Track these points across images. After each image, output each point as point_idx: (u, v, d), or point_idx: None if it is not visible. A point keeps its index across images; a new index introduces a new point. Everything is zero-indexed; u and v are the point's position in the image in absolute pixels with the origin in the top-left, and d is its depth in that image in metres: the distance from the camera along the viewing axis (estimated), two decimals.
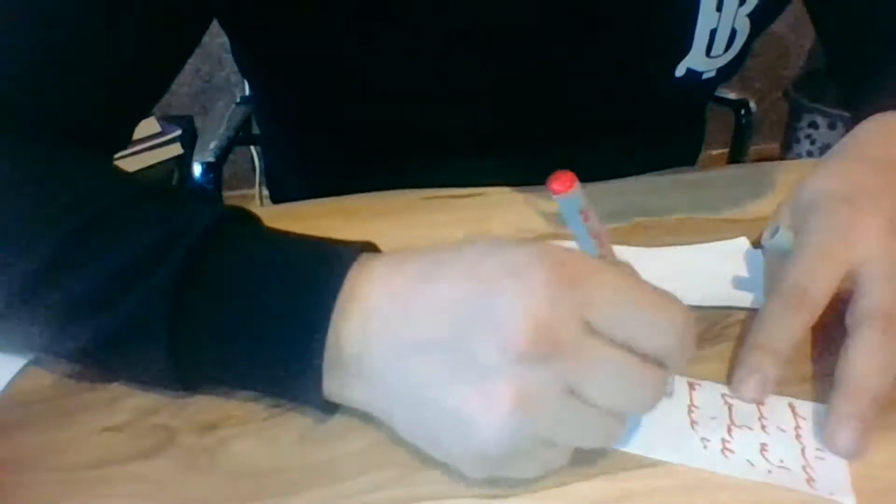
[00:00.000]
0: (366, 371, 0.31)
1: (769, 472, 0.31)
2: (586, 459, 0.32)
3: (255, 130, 1.12)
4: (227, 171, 0.98)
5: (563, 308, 0.28)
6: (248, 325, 0.32)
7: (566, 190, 0.29)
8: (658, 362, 0.29)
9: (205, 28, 0.49)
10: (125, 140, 0.49)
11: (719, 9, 0.49)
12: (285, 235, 0.35)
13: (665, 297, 0.29)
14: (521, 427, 0.28)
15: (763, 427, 0.34)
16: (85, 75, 0.43)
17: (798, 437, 0.33)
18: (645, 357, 0.29)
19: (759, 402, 0.35)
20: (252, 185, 1.78)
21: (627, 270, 0.32)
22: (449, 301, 0.29)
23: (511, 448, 0.28)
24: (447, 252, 0.31)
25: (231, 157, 1.01)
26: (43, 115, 0.42)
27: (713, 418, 0.34)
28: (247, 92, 1.23)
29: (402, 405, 0.31)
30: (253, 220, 0.36)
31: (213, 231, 0.33)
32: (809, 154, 2.03)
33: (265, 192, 1.34)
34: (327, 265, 0.32)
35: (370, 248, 0.34)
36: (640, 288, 0.29)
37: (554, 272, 0.28)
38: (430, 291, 0.30)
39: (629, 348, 0.29)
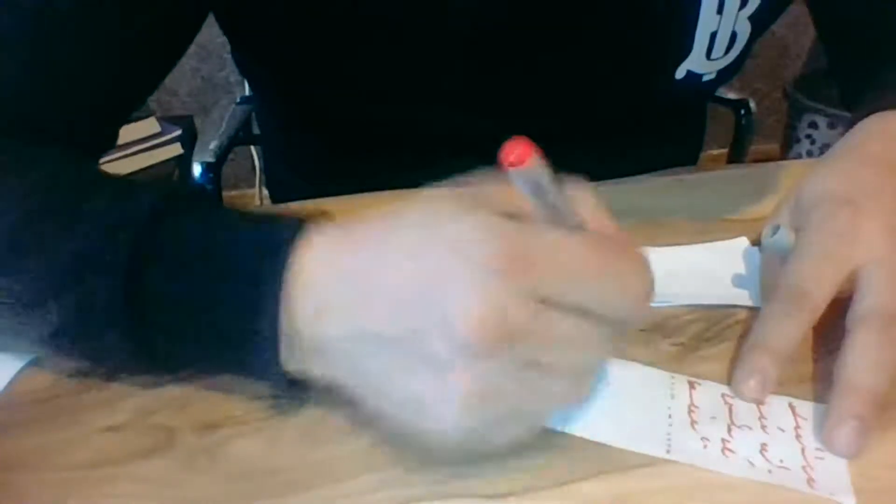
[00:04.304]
0: (327, 355, 0.31)
1: (769, 472, 0.31)
2: (586, 459, 0.32)
3: (255, 130, 1.12)
4: (227, 171, 0.98)
5: (512, 293, 0.27)
6: (198, 311, 0.32)
7: (521, 163, 0.25)
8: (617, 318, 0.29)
9: (196, 30, 0.49)
10: (110, 140, 0.49)
11: (720, 11, 0.49)
12: (228, 216, 0.34)
13: (621, 254, 0.29)
14: (480, 413, 0.28)
15: (763, 427, 0.34)
16: (72, 75, 0.43)
17: (798, 437, 0.33)
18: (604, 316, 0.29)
19: (759, 402, 0.35)
20: (252, 185, 1.79)
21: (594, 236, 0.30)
22: (398, 293, 0.29)
23: (474, 431, 0.28)
24: (392, 228, 0.30)
25: (231, 157, 1.01)
26: (27, 114, 0.42)
27: (713, 418, 0.34)
28: (247, 92, 1.23)
29: (363, 388, 0.31)
30: (198, 198, 0.36)
31: (157, 214, 0.33)
32: (809, 154, 2.03)
33: (265, 192, 1.34)
34: (272, 251, 0.31)
35: (316, 216, 0.33)
36: (594, 250, 0.28)
37: (499, 254, 0.27)
38: (378, 279, 0.29)
39: (584, 313, 0.28)
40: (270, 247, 0.31)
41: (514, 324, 0.27)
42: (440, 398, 0.28)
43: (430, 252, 0.28)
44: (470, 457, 0.30)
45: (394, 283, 0.29)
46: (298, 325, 0.31)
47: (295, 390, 0.33)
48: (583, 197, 0.31)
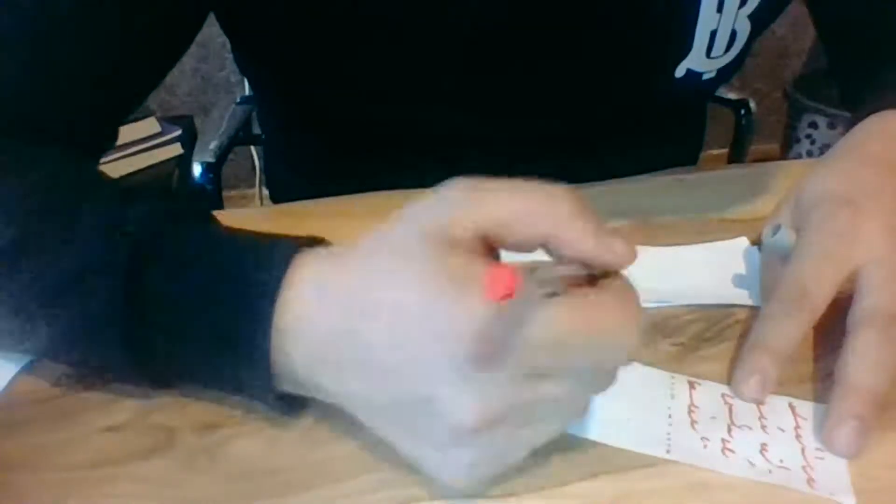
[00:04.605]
0: (323, 395, 0.32)
1: (769, 472, 0.31)
2: (586, 459, 0.32)
3: (256, 130, 1.13)
4: (227, 171, 0.98)
5: (501, 378, 0.27)
6: (191, 335, 0.32)
7: (509, 296, 0.24)
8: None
9: (196, 30, 0.49)
10: (110, 139, 0.49)
11: (720, 10, 0.49)
12: (220, 240, 0.34)
13: (608, 323, 0.27)
14: (483, 471, 0.29)
15: (763, 427, 0.34)
16: (72, 75, 0.43)
17: (798, 437, 0.33)
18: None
19: (759, 402, 0.35)
20: (252, 185, 1.79)
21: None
22: (383, 367, 0.28)
23: (477, 480, 0.30)
24: (372, 286, 0.29)
25: (231, 157, 1.01)
26: (27, 114, 0.42)
27: (713, 418, 0.34)
28: (247, 92, 1.23)
29: (368, 426, 0.31)
30: (197, 217, 0.35)
31: (150, 234, 0.33)
32: (809, 154, 2.03)
33: (265, 192, 1.34)
34: (262, 278, 0.31)
35: (313, 242, 0.33)
36: (579, 323, 0.27)
37: (486, 346, 0.26)
38: (367, 347, 0.29)
39: (572, 373, 0.28)
40: (268, 256, 0.31)
41: (505, 404, 0.27)
42: (443, 464, 0.29)
43: (411, 335, 0.28)
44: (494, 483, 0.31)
45: (379, 354, 0.28)
46: (294, 367, 0.31)
47: (290, 408, 0.33)
48: (554, 215, 0.29)
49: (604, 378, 0.30)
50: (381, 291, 0.29)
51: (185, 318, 0.32)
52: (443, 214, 0.29)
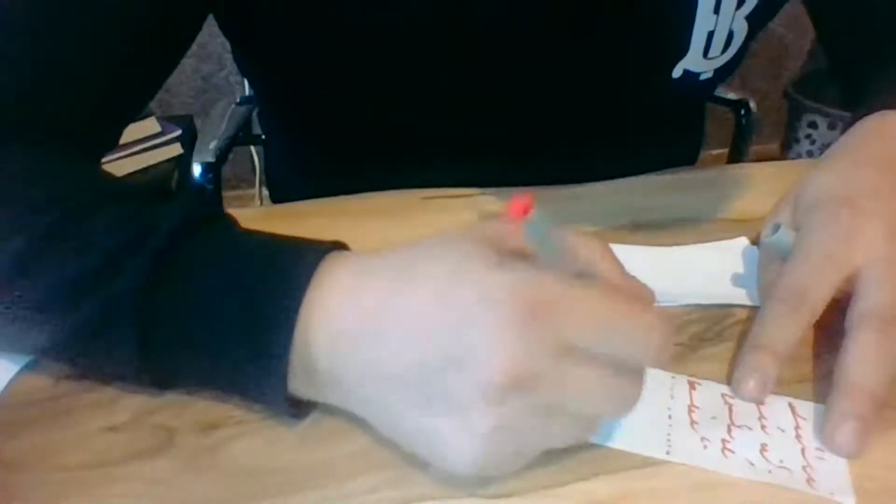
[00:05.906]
0: (338, 385, 0.32)
1: (769, 472, 0.31)
2: (586, 459, 0.32)
3: (256, 130, 1.12)
4: (227, 171, 0.98)
5: (537, 340, 0.27)
6: (211, 332, 0.32)
7: (524, 215, 0.26)
8: (636, 367, 0.30)
9: (195, 32, 0.49)
10: (112, 141, 0.49)
11: (717, 11, 0.49)
12: (248, 238, 0.34)
13: (639, 305, 0.29)
14: (497, 451, 0.29)
15: (763, 427, 0.34)
16: (72, 76, 0.43)
17: (798, 437, 0.33)
18: (623, 364, 0.29)
19: (759, 402, 0.35)
20: (252, 185, 1.79)
21: (604, 284, 0.31)
22: (420, 330, 0.29)
23: (488, 466, 0.29)
24: (417, 265, 0.31)
25: (231, 157, 1.01)
26: (28, 115, 0.42)
27: (713, 418, 0.34)
28: (247, 92, 1.23)
29: (377, 418, 0.32)
30: (220, 218, 0.36)
31: (178, 232, 0.33)
32: (809, 154, 2.03)
33: (265, 192, 1.34)
34: (290, 274, 0.32)
35: (338, 246, 0.34)
36: (614, 301, 0.29)
37: (527, 303, 0.28)
38: (399, 316, 0.30)
39: (604, 363, 0.29)
40: (288, 275, 0.32)
41: (537, 370, 0.27)
42: (460, 435, 0.29)
43: (457, 297, 0.29)
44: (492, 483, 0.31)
45: (414, 321, 0.29)
46: (313, 356, 0.31)
47: (294, 410, 0.33)
48: (592, 245, 0.33)
49: (631, 382, 0.30)
50: (429, 265, 0.30)
51: (196, 319, 0.32)
52: (495, 231, 0.32)
